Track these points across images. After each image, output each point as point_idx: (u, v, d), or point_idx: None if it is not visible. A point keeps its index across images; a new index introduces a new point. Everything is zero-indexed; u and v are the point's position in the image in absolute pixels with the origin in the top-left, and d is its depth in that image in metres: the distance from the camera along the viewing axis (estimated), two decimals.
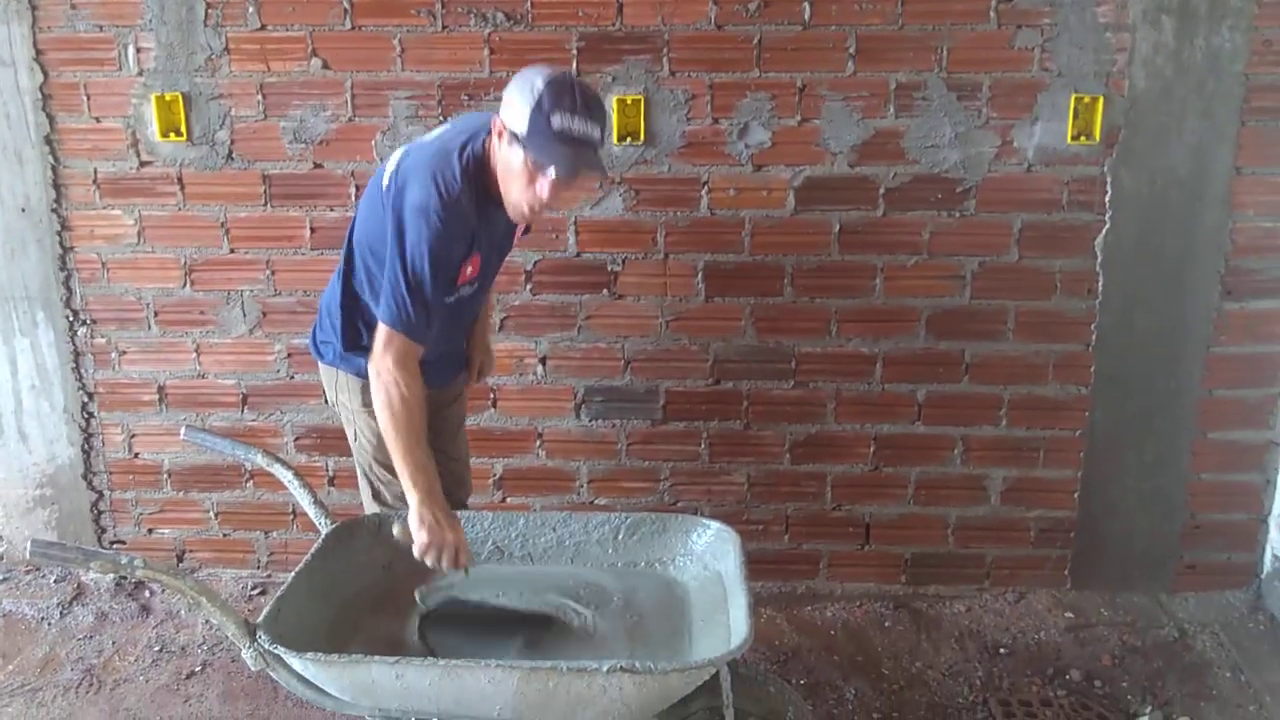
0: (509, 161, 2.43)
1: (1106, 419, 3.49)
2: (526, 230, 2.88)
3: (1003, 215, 3.35)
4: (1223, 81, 3.22)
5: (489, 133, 2.50)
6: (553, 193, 2.43)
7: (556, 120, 2.33)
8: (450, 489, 3.08)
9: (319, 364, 2.86)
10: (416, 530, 2.41)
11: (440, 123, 3.09)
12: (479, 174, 2.49)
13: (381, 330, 2.47)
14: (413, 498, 2.42)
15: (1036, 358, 3.46)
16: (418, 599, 2.48)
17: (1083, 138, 3.26)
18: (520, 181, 2.44)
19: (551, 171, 2.39)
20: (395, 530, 2.48)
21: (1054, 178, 3.31)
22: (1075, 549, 3.61)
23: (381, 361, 2.46)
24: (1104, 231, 3.33)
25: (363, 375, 2.62)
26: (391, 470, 2.72)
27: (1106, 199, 3.31)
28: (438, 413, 3.03)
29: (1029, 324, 3.43)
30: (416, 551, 2.41)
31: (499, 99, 2.47)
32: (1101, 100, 3.23)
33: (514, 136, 2.39)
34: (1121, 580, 3.62)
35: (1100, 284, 3.37)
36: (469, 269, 2.58)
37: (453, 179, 2.44)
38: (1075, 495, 3.56)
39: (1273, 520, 3.53)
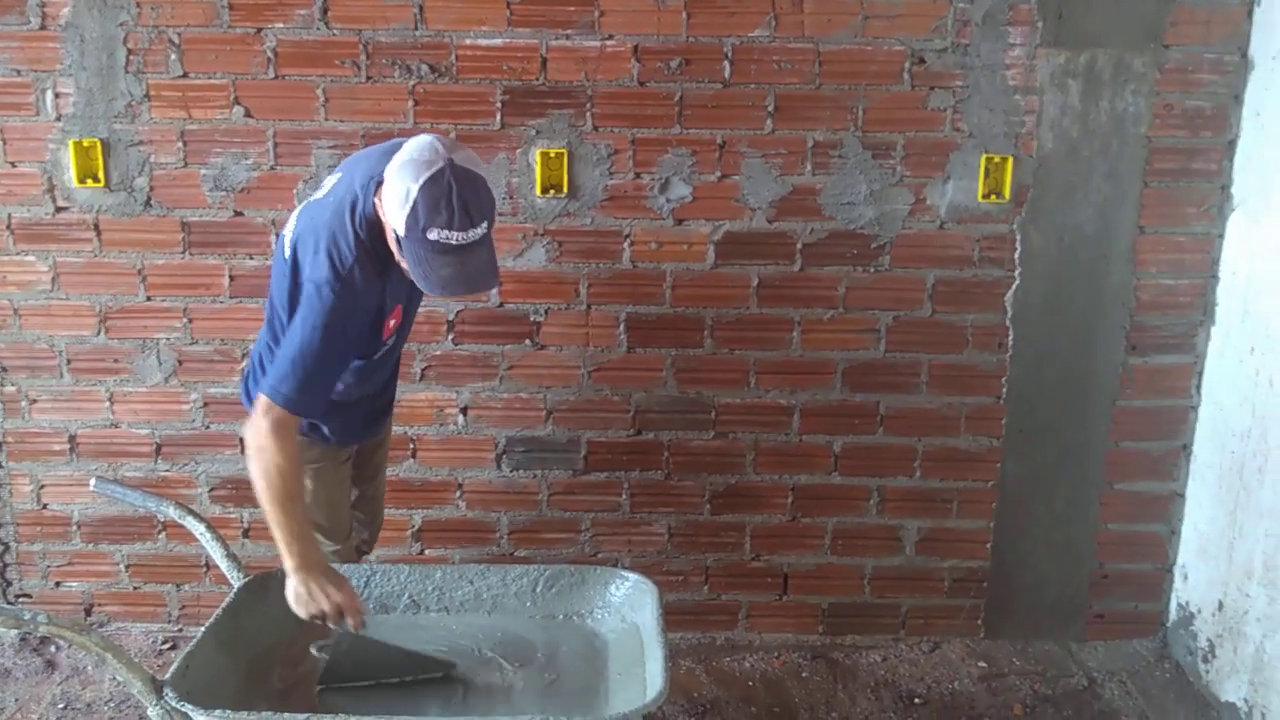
0: (394, 240, 2.34)
1: (1018, 470, 3.56)
2: None
3: (916, 271, 3.43)
4: (1126, 143, 3.34)
5: (378, 185, 2.39)
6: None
7: (433, 234, 2.22)
8: (360, 529, 3.09)
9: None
10: (294, 604, 2.38)
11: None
12: (374, 236, 2.40)
13: (260, 399, 2.38)
14: (289, 567, 2.38)
15: (949, 410, 3.53)
16: (314, 651, 2.43)
17: (993, 196, 3.35)
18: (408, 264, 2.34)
19: (427, 289, 2.32)
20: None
21: (965, 235, 3.40)
22: (988, 598, 3.67)
23: (257, 429, 2.36)
24: (1014, 287, 3.42)
25: (301, 431, 2.57)
26: (320, 526, 2.72)
27: (1016, 256, 3.40)
28: (367, 458, 3.03)
29: (942, 377, 3.50)
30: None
31: None
32: (1011, 160, 3.33)
33: (394, 231, 2.30)
34: (1033, 629, 3.68)
35: (1010, 338, 3.46)
36: (392, 322, 2.58)
37: (347, 249, 2.36)
38: (988, 545, 3.62)
39: (1177, 570, 3.62)
